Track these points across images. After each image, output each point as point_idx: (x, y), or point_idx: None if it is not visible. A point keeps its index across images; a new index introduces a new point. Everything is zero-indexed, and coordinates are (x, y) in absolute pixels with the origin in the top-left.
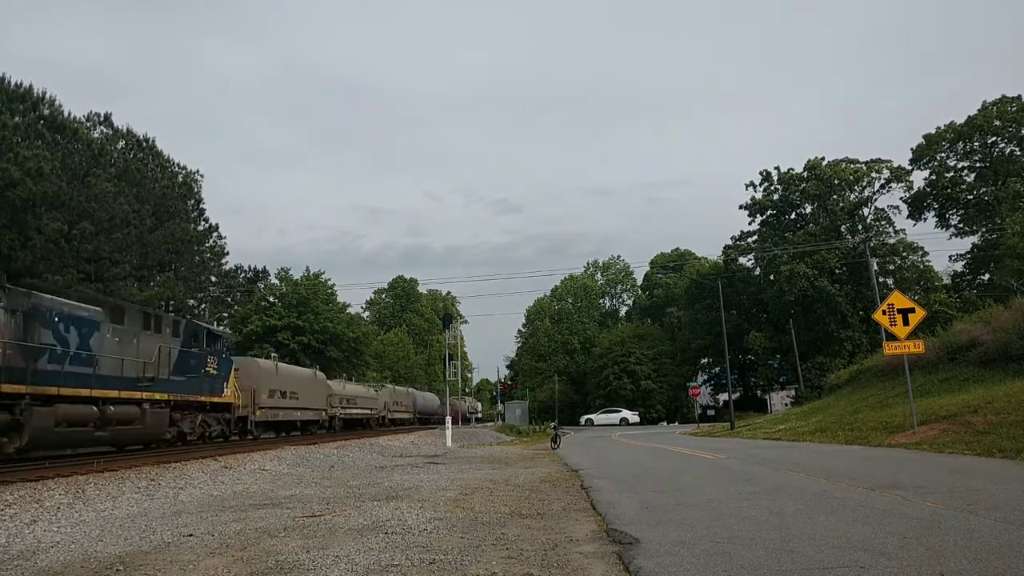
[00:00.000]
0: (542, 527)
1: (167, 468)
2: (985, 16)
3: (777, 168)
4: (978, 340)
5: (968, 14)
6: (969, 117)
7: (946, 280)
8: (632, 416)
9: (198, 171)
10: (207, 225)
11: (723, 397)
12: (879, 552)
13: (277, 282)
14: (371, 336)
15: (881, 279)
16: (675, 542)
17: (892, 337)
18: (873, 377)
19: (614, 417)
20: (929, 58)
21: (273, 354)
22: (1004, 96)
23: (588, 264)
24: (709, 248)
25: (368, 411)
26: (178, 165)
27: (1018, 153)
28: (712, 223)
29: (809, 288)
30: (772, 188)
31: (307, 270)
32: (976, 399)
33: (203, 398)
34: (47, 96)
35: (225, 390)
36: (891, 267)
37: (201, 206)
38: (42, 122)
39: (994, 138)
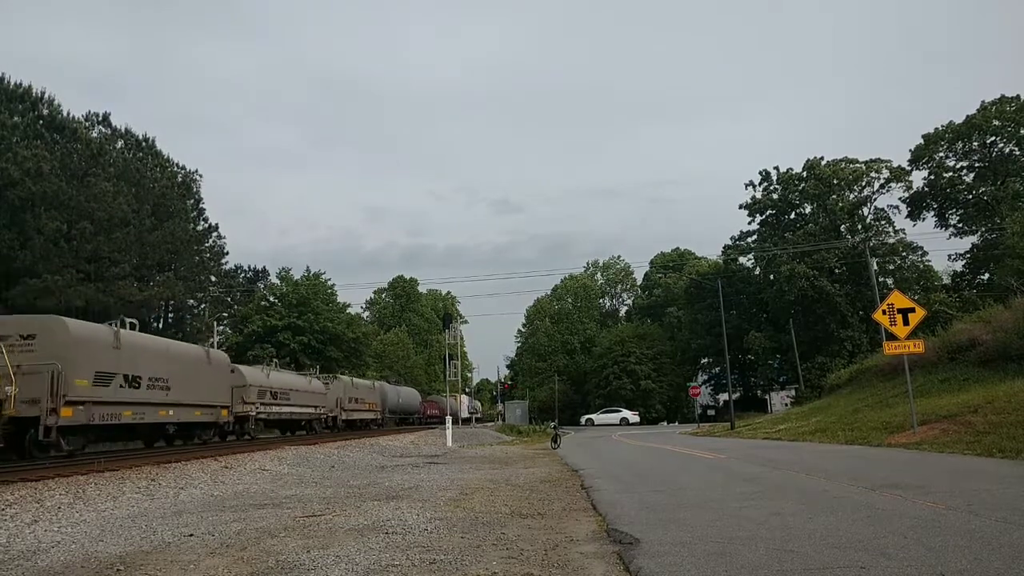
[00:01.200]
0: (542, 527)
1: (167, 468)
2: (985, 16)
3: (776, 168)
4: (978, 340)
5: (968, 14)
6: (968, 117)
7: (946, 280)
8: (632, 416)
9: (197, 171)
10: (207, 225)
11: (723, 397)
12: (879, 552)
13: (277, 282)
14: (371, 336)
15: (881, 279)
16: (675, 542)
17: (892, 337)
18: (873, 377)
19: (614, 417)
20: (929, 58)
21: (131, 321)
22: (1003, 96)
23: (588, 264)
24: (709, 248)
25: (309, 409)
26: (177, 165)
27: (1017, 153)
28: (712, 223)
29: (809, 288)
30: (771, 188)
31: (307, 270)
32: (976, 399)
33: None
34: (46, 96)
35: None
36: (891, 267)
37: (201, 206)
38: (41, 122)
39: (993, 138)
